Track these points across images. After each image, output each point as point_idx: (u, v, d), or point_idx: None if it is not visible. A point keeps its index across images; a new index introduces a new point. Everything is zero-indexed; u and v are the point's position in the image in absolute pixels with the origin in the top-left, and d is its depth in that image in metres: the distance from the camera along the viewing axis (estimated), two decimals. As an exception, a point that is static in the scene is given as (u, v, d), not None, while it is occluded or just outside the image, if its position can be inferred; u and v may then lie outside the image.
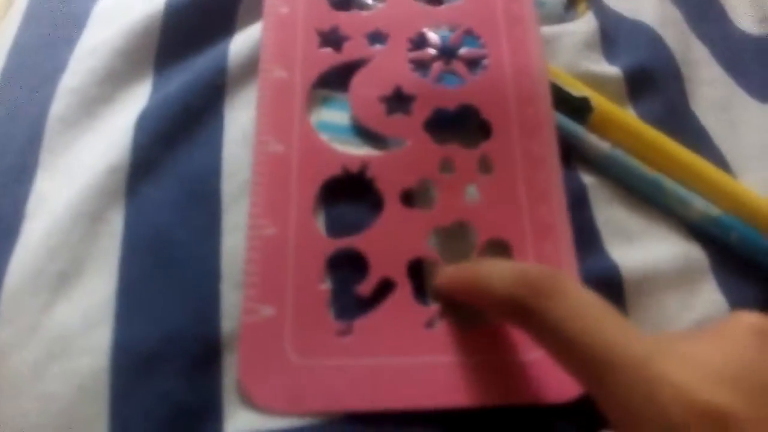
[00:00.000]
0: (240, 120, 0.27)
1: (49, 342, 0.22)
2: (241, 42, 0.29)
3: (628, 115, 0.29)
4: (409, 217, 0.25)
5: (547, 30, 0.31)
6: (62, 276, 0.23)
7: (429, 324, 0.23)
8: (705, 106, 0.31)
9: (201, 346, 0.22)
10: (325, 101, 0.27)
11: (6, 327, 0.22)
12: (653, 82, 0.31)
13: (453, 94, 0.27)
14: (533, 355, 0.23)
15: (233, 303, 0.23)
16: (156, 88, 0.28)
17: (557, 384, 0.22)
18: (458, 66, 0.28)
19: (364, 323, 0.23)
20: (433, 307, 0.24)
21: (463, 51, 0.28)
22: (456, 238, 0.25)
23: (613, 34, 0.32)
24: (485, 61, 0.28)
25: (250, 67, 0.28)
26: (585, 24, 0.31)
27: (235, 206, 0.25)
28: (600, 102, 0.28)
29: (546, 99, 0.27)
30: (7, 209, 0.25)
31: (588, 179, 0.27)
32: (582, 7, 0.32)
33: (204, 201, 0.25)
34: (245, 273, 0.23)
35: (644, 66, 0.31)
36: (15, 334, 0.22)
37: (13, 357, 0.22)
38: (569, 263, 0.25)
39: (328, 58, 0.28)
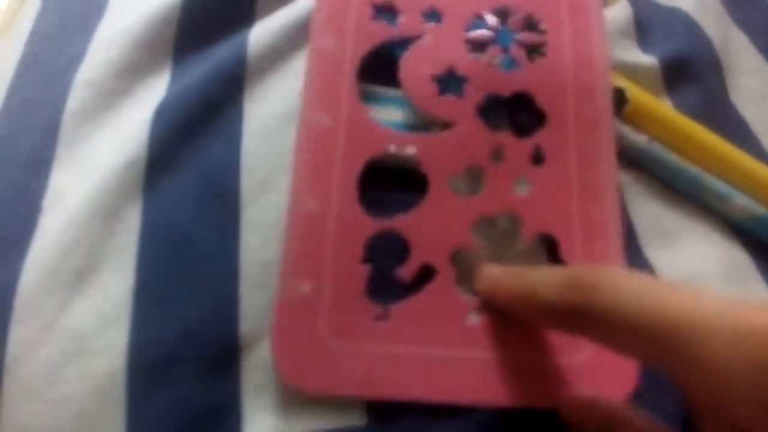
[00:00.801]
0: (260, 113, 0.27)
1: (64, 342, 0.22)
2: (261, 31, 0.28)
3: (665, 107, 0.29)
4: (454, 204, 0.24)
5: None
6: (78, 274, 0.23)
7: (469, 316, 0.23)
8: (745, 97, 0.31)
9: (219, 348, 0.22)
10: (367, 97, 0.27)
11: (21, 327, 0.22)
12: (691, 71, 0.30)
13: (508, 79, 0.27)
14: (575, 357, 0.23)
15: (252, 303, 0.23)
16: (174, 79, 0.28)
17: (599, 388, 0.22)
18: (516, 51, 0.27)
19: (401, 309, 0.23)
20: (474, 299, 0.23)
21: (521, 36, 0.28)
22: (501, 229, 0.25)
23: (648, 21, 0.31)
24: (544, 48, 0.28)
25: (271, 57, 0.28)
26: (618, 11, 0.31)
27: (254, 203, 0.25)
28: (635, 93, 0.28)
29: (607, 93, 0.27)
30: (24, 204, 0.25)
31: (622, 175, 0.27)
32: (616, -7, 0.31)
33: (222, 197, 0.25)
34: (283, 249, 0.23)
35: (681, 55, 0.30)
36: (30, 334, 0.22)
37: (28, 358, 0.22)
38: (618, 264, 0.24)
39: (381, 31, 0.27)
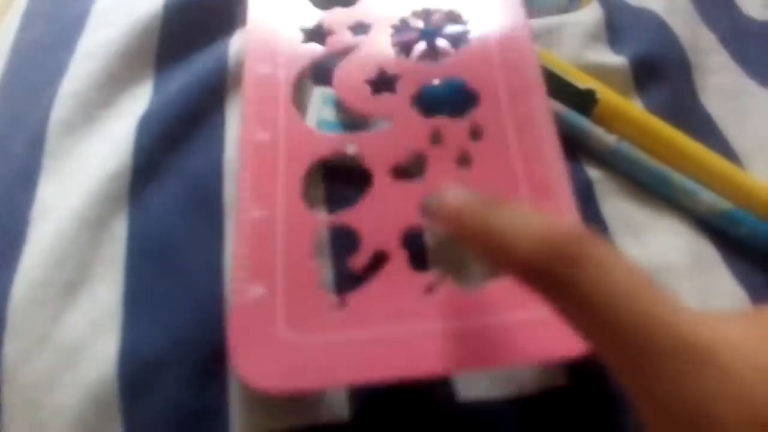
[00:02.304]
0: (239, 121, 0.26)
1: (58, 352, 0.23)
2: (241, 41, 0.28)
3: (634, 107, 0.30)
4: (399, 189, 0.26)
5: (551, 21, 0.32)
6: (69, 285, 0.24)
7: (427, 290, 0.24)
8: (713, 95, 0.32)
9: (207, 351, 0.24)
10: (326, 99, 0.28)
11: (16, 339, 0.23)
12: (660, 71, 0.32)
13: (438, 68, 0.29)
14: (536, 312, 0.22)
15: None
16: (157, 89, 0.29)
17: (563, 341, 0.22)
18: (442, 44, 0.29)
19: (358, 296, 0.24)
20: (431, 274, 0.24)
21: (445, 30, 0.30)
22: None
23: (619, 22, 0.33)
24: (468, 36, 0.30)
25: None
26: (589, 14, 0.33)
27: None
28: (605, 93, 0.30)
29: (534, 66, 0.28)
30: (12, 217, 0.26)
31: (594, 173, 0.29)
32: (587, -4, 0.32)
33: (206, 205, 0.26)
34: (233, 255, 0.24)
35: (651, 54, 0.32)
36: (25, 345, 0.23)
37: (24, 369, 0.23)
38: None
39: (312, 51, 0.30)
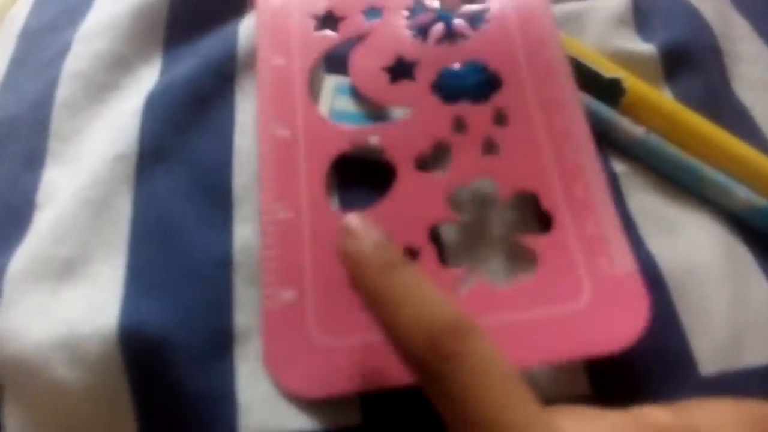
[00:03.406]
0: (250, 108, 0.29)
1: (55, 328, 0.23)
2: (251, 25, 0.28)
3: (663, 97, 0.29)
4: (425, 182, 0.25)
5: (576, 6, 0.32)
6: (69, 262, 0.24)
7: (458, 286, 0.24)
8: (746, 85, 0.31)
9: (213, 336, 0.23)
10: (338, 88, 0.28)
11: (11, 311, 0.23)
12: (691, 59, 0.31)
13: (457, 51, 0.28)
14: (576, 304, 0.23)
15: (246, 295, 0.24)
16: (164, 71, 0.29)
17: (603, 335, 0.22)
18: (459, 25, 0.29)
19: None
20: (461, 270, 0.24)
21: (462, 10, 0.29)
22: (478, 196, 0.26)
23: (648, 8, 0.33)
24: (487, 15, 0.29)
25: None
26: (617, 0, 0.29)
27: (246, 198, 0.26)
28: (633, 83, 0.29)
29: (557, 43, 0.28)
30: (18, 199, 0.26)
31: (620, 167, 0.28)
32: (614, -20, 0.31)
33: (214, 190, 0.26)
34: (262, 259, 0.24)
35: (681, 42, 0.31)
36: (21, 318, 0.23)
37: (19, 342, 0.22)
38: (604, 203, 0.25)
39: (326, 39, 0.29)
